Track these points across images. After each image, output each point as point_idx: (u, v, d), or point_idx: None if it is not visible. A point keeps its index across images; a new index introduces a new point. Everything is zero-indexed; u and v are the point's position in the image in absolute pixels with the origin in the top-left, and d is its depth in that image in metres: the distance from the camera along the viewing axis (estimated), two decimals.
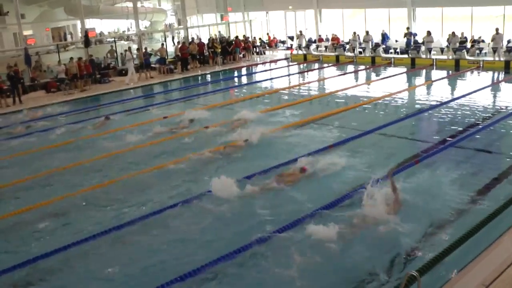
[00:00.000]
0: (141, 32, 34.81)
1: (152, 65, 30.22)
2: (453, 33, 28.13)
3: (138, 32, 33.88)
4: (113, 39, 37.37)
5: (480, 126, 14.11)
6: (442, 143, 12.64)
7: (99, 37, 42.72)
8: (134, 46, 35.77)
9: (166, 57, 31.19)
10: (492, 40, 26.43)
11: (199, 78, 28.97)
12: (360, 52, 32.49)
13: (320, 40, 36.86)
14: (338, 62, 31.79)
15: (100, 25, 51.89)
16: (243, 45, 34.83)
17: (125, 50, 29.20)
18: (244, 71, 31.38)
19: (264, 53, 37.29)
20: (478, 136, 13.13)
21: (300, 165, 10.64)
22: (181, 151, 13.03)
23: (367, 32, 32.28)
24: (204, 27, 45.61)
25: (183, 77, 28.72)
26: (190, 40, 34.17)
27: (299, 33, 36.45)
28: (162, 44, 31.80)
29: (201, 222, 8.69)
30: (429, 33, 28.36)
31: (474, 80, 23.95)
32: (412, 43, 30.32)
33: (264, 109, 17.77)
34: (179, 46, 30.64)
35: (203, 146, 13.13)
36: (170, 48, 34.98)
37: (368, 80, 24.83)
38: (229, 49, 33.46)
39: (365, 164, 11.23)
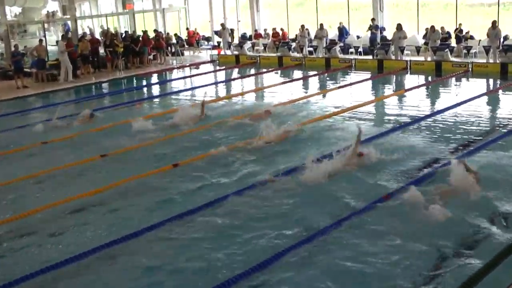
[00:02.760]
0: (9, 23, 33.70)
1: (26, 70, 29.16)
2: (432, 27, 28.47)
3: (4, 22, 32.71)
4: None
5: (470, 149, 13.98)
6: (418, 173, 12.40)
7: None
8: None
9: (46, 59, 30.18)
10: (487, 36, 26.91)
11: (93, 88, 28.14)
12: (311, 52, 32.55)
13: (258, 36, 36.79)
14: (281, 65, 31.70)
15: None
16: (153, 43, 34.29)
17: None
18: (155, 78, 30.77)
19: (183, 54, 36.89)
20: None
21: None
22: None
23: (321, 26, 32.36)
24: (99, 18, 44.85)
25: (69, 86, 27.82)
26: (80, 35, 33.31)
27: (221, 27, 36.25)
28: (41, 41, 30.77)
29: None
30: (399, 27, 28.67)
31: (461, 89, 24.19)
32: (378, 40, 30.61)
33: (184, 131, 17.25)
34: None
35: None
36: (52, 46, 33.98)
37: (321, 90, 24.64)
38: (136, 48, 32.81)
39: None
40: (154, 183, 12.66)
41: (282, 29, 35.89)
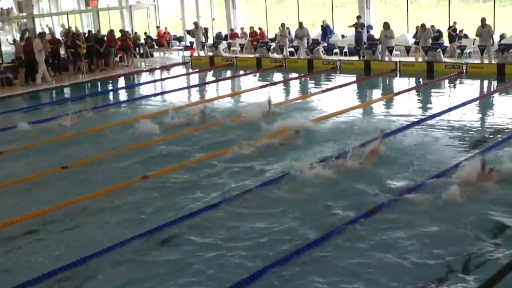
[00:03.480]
0: None
1: None
2: (423, 25, 28.58)
3: None
4: None
5: (462, 159, 13.97)
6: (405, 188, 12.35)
7: None
8: None
9: (1, 61, 29.95)
10: (477, 36, 27.17)
11: (53, 93, 27.88)
12: (292, 53, 32.54)
13: (234, 35, 36.75)
14: (260, 67, 31.74)
15: None
16: (119, 43, 34.12)
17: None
18: (121, 82, 30.64)
19: (152, 56, 36.76)
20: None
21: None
22: None
23: (300, 24, 32.41)
24: (60, 16, 44.57)
25: (27, 91, 27.57)
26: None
27: (194, 25, 36.13)
28: None
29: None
30: (387, 25, 28.79)
31: (455, 92, 24.34)
32: (365, 39, 30.70)
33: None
34: (23, 43, 29.62)
35: None
36: (7, 47, 33.72)
37: (303, 94, 24.61)
38: (100, 50, 32.64)
39: None
40: (121, 198, 12.60)
41: (260, 28, 35.86)
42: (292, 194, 12.20)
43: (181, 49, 38.22)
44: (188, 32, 38.54)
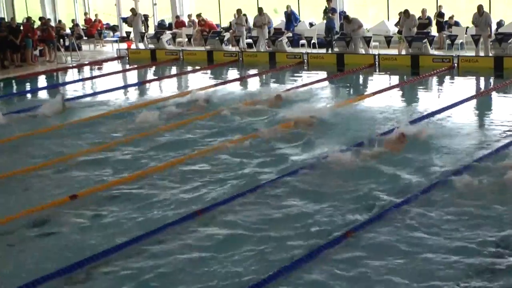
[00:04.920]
0: None
1: None
2: (406, 12, 28.83)
3: None
4: None
5: (451, 170, 14.09)
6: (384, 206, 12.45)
7: None
8: None
9: None
10: (474, 25, 27.46)
11: None
12: (250, 45, 32.59)
13: (180, 24, 36.75)
14: (211, 63, 31.82)
15: None
16: (39, 33, 33.94)
17: None
18: (42, 81, 30.45)
19: (80, 49, 36.60)
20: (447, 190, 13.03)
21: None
22: None
23: (260, 10, 32.48)
24: None
25: None
26: None
27: (131, 12, 36.00)
28: None
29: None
30: (347, 19, 29.08)
31: (445, 91, 24.57)
32: (337, 28, 30.87)
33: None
34: None
35: None
36: None
37: (264, 93, 24.55)
38: (16, 41, 32.44)
39: None
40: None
41: (204, 20, 35.82)
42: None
43: (116, 41, 38.15)
44: (124, 20, 38.52)
